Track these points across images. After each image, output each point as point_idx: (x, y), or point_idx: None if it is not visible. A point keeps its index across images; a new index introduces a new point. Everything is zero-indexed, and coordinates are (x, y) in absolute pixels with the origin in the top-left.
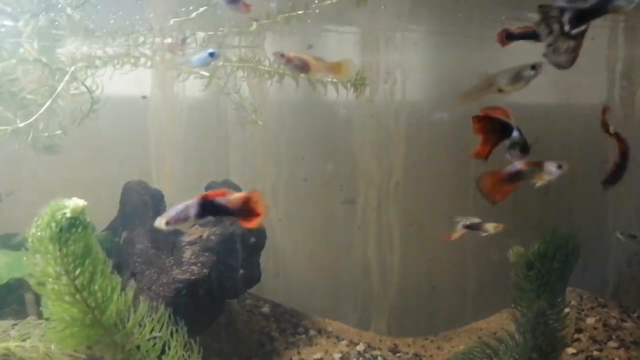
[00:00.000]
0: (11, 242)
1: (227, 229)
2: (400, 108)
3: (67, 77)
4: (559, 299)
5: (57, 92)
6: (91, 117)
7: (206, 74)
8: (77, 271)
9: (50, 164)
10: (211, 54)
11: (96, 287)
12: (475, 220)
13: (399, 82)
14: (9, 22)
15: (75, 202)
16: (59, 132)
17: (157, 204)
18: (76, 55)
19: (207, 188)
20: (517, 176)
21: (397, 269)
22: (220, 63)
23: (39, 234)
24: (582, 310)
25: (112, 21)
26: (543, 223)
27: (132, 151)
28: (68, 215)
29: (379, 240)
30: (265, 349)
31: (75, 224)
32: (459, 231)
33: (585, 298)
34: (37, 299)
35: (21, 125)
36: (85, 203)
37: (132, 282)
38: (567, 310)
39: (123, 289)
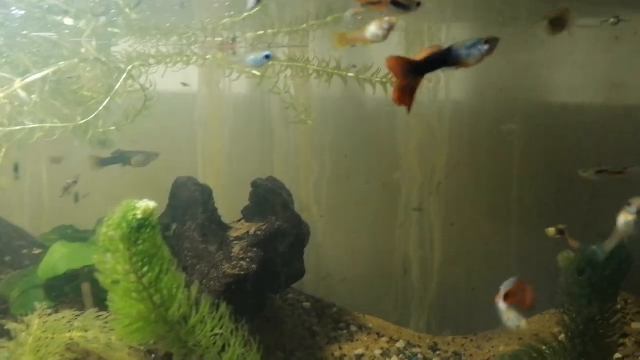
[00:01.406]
0: (67, 234)
1: (272, 225)
2: (444, 107)
3: (124, 76)
4: (610, 305)
5: (115, 90)
6: (144, 114)
7: (258, 73)
8: (145, 269)
9: None
10: (267, 56)
11: (162, 285)
12: None
13: (443, 81)
14: (70, 22)
15: (146, 204)
16: (112, 128)
17: (206, 199)
18: (132, 54)
19: (253, 185)
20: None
21: (437, 268)
22: (270, 62)
23: (110, 233)
24: (628, 314)
25: (167, 23)
26: (590, 225)
27: (180, 147)
28: (139, 216)
29: (420, 239)
30: (308, 343)
31: (145, 224)
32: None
33: (630, 302)
34: (94, 289)
35: (81, 122)
36: (156, 205)
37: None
38: (617, 316)
39: (187, 286)
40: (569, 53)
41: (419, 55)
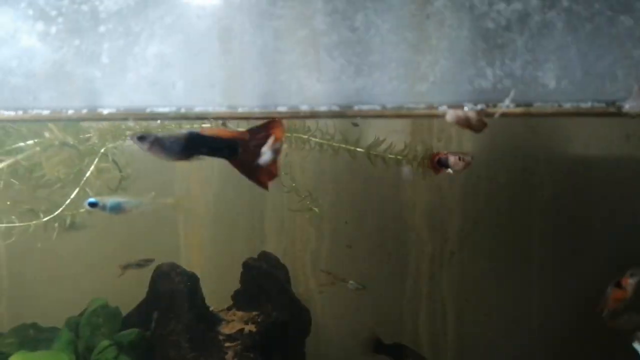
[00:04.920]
0: (28, 335)
1: (269, 316)
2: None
3: (96, 159)
4: None
5: (85, 177)
6: (119, 193)
7: None
8: None
9: (73, 241)
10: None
11: None
12: None
13: (454, 139)
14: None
15: None
16: (82, 210)
17: (193, 292)
18: (103, 129)
19: (245, 266)
20: None
21: (451, 345)
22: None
23: None
24: None
25: None
26: None
27: (160, 225)
28: None
29: (431, 316)
30: None
31: None
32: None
33: None
34: None
35: (45, 219)
36: None
37: None
38: None
39: None
40: None
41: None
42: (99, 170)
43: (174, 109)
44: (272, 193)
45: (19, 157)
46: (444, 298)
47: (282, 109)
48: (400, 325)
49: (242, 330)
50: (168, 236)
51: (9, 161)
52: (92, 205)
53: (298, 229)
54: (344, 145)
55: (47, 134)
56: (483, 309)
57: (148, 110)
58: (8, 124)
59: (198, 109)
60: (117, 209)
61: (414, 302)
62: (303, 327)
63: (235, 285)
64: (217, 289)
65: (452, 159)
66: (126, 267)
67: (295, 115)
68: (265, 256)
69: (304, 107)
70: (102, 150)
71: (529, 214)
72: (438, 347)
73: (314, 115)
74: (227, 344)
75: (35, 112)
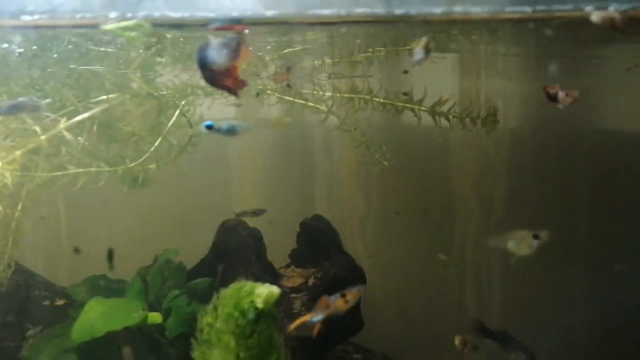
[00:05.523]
0: (98, 285)
1: (328, 272)
2: (502, 138)
3: (177, 112)
4: None
5: (167, 128)
6: (188, 150)
7: (323, 108)
8: None
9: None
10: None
11: None
12: None
13: (501, 111)
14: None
15: (269, 290)
16: (152, 166)
17: (258, 245)
18: (181, 86)
19: (302, 226)
20: None
21: (496, 312)
22: (330, 94)
23: (217, 325)
24: None
25: None
26: None
27: (213, 183)
28: (260, 305)
29: (477, 281)
30: None
31: (264, 314)
32: None
33: None
34: (135, 353)
35: (131, 165)
36: (279, 290)
37: None
38: None
39: None
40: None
41: None
42: (174, 125)
43: None
44: (321, 161)
45: (101, 108)
46: (489, 265)
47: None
48: (447, 289)
49: (305, 283)
50: (221, 204)
51: (104, 106)
52: (209, 127)
53: (346, 197)
54: (408, 105)
55: (134, 85)
56: (529, 277)
57: None
58: (92, 78)
59: None
60: (231, 131)
61: (461, 267)
62: (360, 284)
63: (286, 245)
64: (271, 249)
65: (561, 94)
66: (240, 214)
67: None
68: (319, 217)
69: None
70: (182, 103)
71: (577, 182)
72: (483, 311)
73: None
74: (293, 295)
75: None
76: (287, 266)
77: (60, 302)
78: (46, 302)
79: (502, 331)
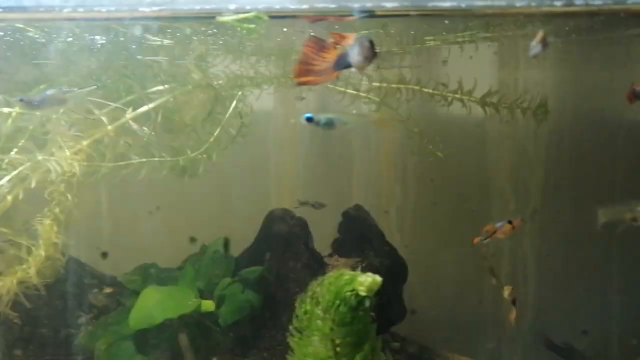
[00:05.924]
0: (150, 273)
1: (373, 262)
2: (540, 129)
3: (234, 102)
4: None
5: (225, 117)
6: (237, 140)
7: (376, 98)
8: (352, 355)
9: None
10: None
11: None
12: None
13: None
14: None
15: (373, 278)
16: (203, 155)
17: (305, 234)
18: (237, 77)
19: (345, 216)
20: None
21: (532, 302)
22: (378, 84)
23: (317, 312)
24: None
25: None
26: None
27: (251, 172)
28: (362, 293)
29: (513, 272)
30: None
31: (363, 301)
32: None
33: None
34: (191, 341)
35: (192, 155)
36: (381, 279)
37: None
38: None
39: None
40: None
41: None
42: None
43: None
44: (358, 151)
45: (176, 91)
46: (525, 254)
47: None
48: (483, 279)
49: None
50: (259, 193)
51: (168, 96)
52: (309, 120)
53: (385, 186)
54: (457, 96)
55: (195, 76)
56: (563, 267)
57: None
58: (149, 70)
59: None
60: (329, 124)
61: (496, 257)
62: (403, 274)
63: (325, 234)
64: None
65: None
66: (303, 203)
67: None
68: (359, 207)
69: None
70: (239, 94)
71: (614, 176)
72: (520, 303)
73: None
74: None
75: None
76: (330, 255)
77: (108, 290)
78: (95, 290)
79: (568, 346)
